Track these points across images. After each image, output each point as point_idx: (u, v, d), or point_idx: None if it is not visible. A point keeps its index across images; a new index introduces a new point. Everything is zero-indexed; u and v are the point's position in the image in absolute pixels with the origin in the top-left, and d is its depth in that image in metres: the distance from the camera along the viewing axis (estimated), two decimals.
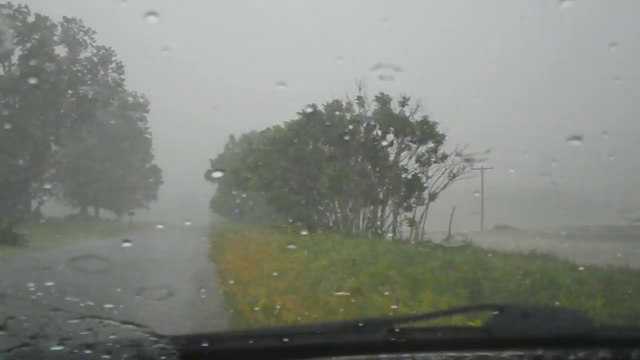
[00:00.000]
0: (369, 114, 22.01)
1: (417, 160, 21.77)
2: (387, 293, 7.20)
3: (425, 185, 21.70)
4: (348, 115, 22.53)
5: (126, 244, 13.70)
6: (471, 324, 3.15)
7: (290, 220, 20.98)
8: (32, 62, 34.93)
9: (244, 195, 29.66)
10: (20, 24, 36.13)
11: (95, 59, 40.17)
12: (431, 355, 1.48)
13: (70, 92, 38.44)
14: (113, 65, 41.02)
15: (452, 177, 20.80)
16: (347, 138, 21.25)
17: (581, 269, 9.10)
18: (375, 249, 12.42)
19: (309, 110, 22.29)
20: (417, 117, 21.25)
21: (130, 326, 1.28)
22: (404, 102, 21.26)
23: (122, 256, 12.21)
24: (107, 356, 1.25)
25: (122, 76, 41.74)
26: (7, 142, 33.10)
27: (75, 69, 38.88)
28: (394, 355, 1.46)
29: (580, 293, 6.79)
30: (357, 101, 21.87)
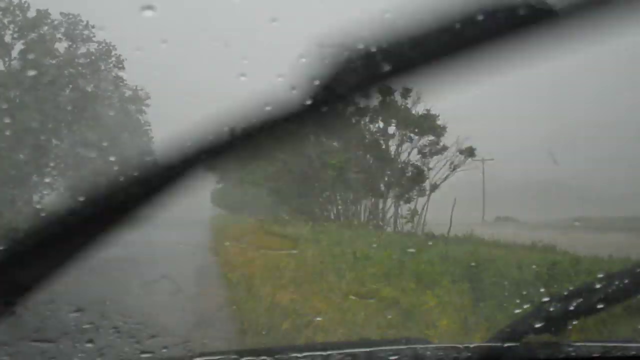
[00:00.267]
0: (370, 105, 21.98)
1: (419, 152, 21.78)
2: (376, 286, 7.20)
3: (426, 176, 21.72)
4: (350, 108, 22.48)
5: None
6: None
7: (292, 213, 21.01)
8: (32, 57, 34.89)
9: (244, 189, 29.67)
10: (20, 19, 36.06)
11: (96, 54, 40.12)
12: None
13: (70, 86, 38.42)
14: (113, 59, 40.99)
15: (453, 168, 20.83)
16: (348, 130, 21.19)
17: (581, 260, 9.10)
18: (376, 241, 12.43)
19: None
20: (419, 109, 21.26)
21: (131, 319, 1.28)
22: (405, 94, 21.23)
23: (123, 250, 12.20)
24: (107, 350, 1.25)
25: (122, 72, 41.73)
26: (7, 137, 33.10)
27: (75, 63, 38.82)
28: None
29: (582, 284, 6.78)
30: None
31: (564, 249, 11.96)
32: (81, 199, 1.07)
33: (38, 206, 38.97)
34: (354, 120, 21.88)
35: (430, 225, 19.89)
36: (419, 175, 21.78)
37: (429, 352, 1.67)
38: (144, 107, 54.49)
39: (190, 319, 6.73)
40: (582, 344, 1.69)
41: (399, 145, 21.92)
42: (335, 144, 22.90)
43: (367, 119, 22.22)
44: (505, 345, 1.63)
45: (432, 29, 0.84)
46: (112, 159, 50.26)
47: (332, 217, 22.93)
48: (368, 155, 22.50)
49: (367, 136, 21.95)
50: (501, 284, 7.31)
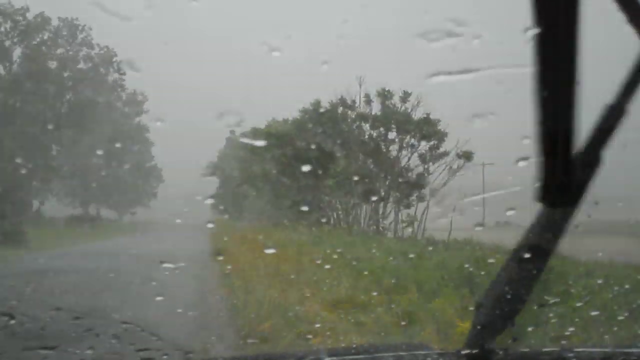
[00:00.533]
0: (372, 110, 22.04)
1: (419, 157, 21.79)
2: (375, 293, 7.19)
3: (426, 182, 21.71)
4: (351, 113, 22.54)
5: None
6: None
7: (292, 218, 20.97)
8: (33, 62, 34.94)
9: (245, 193, 29.64)
10: (20, 24, 36.12)
11: (96, 59, 40.20)
12: None
13: (70, 91, 38.47)
14: (114, 65, 41.08)
15: (453, 173, 20.82)
16: (350, 135, 21.26)
17: (581, 264, 9.10)
18: (376, 247, 12.42)
19: (311, 107, 22.33)
20: (419, 112, 21.28)
21: (131, 326, 1.27)
22: (405, 98, 21.26)
23: (124, 258, 12.20)
24: (107, 356, 1.25)
25: (123, 76, 41.80)
26: (8, 141, 33.11)
27: (76, 68, 38.89)
28: None
29: (582, 288, 6.78)
30: (364, 99, 21.89)
31: (564, 254, 11.94)
32: None
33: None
34: (354, 126, 21.97)
35: (430, 230, 19.86)
36: (419, 181, 21.78)
37: (429, 358, 1.67)
38: (143, 113, 54.53)
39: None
40: (583, 349, 1.68)
41: (399, 150, 21.94)
42: (336, 149, 22.91)
43: (368, 125, 22.25)
44: (506, 350, 1.63)
45: None
46: (112, 164, 50.48)
47: (333, 222, 22.91)
48: (369, 161, 22.51)
49: (368, 141, 21.96)
50: None
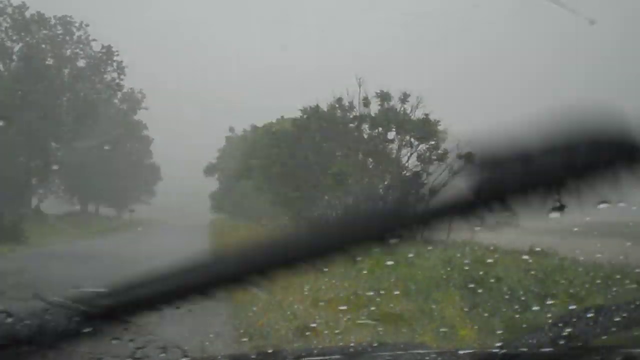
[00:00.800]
0: (371, 111, 22.04)
1: (418, 158, 21.77)
2: (383, 292, 7.19)
3: (425, 182, 21.69)
4: (350, 114, 22.55)
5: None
6: None
7: (291, 218, 21.00)
8: (31, 60, 34.93)
9: (244, 192, 29.66)
10: (18, 22, 36.11)
11: (96, 57, 40.21)
12: None
13: (70, 89, 38.47)
14: (114, 64, 41.10)
15: (453, 174, 20.79)
16: (349, 136, 21.28)
17: (580, 265, 9.11)
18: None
19: (311, 108, 22.33)
20: (418, 113, 21.28)
21: (129, 324, 1.27)
22: (404, 99, 21.26)
23: (121, 255, 12.21)
24: (105, 354, 1.24)
25: (122, 75, 41.84)
26: (7, 139, 33.10)
27: (75, 66, 38.90)
28: None
29: (581, 289, 6.80)
30: (363, 101, 21.88)
31: (564, 254, 11.95)
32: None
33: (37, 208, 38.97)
34: (354, 126, 21.97)
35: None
36: (418, 181, 21.76)
37: (427, 358, 1.67)
38: (141, 110, 54.57)
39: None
40: (584, 349, 1.68)
41: (398, 150, 21.94)
42: (334, 149, 22.92)
43: (367, 125, 22.25)
44: (505, 350, 1.63)
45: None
46: (111, 162, 50.46)
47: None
48: (368, 161, 22.52)
49: (367, 142, 21.96)
50: (500, 289, 7.30)
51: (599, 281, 7.27)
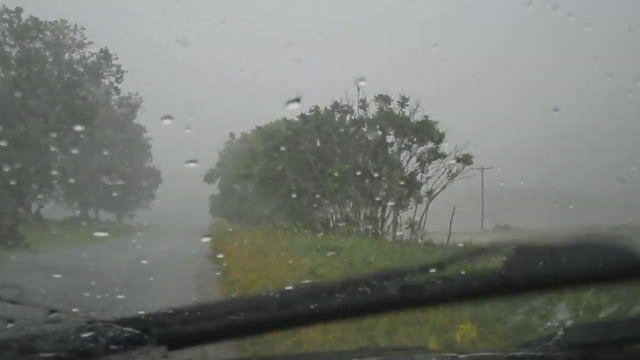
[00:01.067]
0: (369, 114, 22.08)
1: (417, 160, 21.81)
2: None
3: (424, 185, 21.73)
4: (349, 117, 22.60)
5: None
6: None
7: (291, 221, 21.02)
8: (29, 64, 34.97)
9: (244, 196, 29.65)
10: (15, 26, 36.15)
11: (95, 61, 40.27)
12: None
13: (69, 94, 38.48)
14: (113, 68, 41.17)
15: (452, 176, 20.83)
16: (347, 139, 21.31)
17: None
18: (374, 250, 12.42)
19: (310, 111, 22.37)
20: (417, 116, 21.33)
21: (129, 328, 1.27)
22: (403, 102, 21.31)
23: (122, 262, 12.18)
24: (107, 358, 1.24)
25: (120, 79, 41.93)
26: (6, 144, 33.09)
27: (75, 70, 38.94)
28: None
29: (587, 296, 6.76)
30: (360, 105, 21.93)
31: None
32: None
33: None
34: (353, 130, 22.00)
35: (429, 234, 19.87)
36: (418, 184, 21.80)
37: None
38: (138, 114, 54.58)
39: None
40: (583, 349, 1.67)
41: (398, 153, 21.96)
42: (334, 152, 22.95)
43: (365, 128, 22.29)
44: (505, 351, 1.63)
45: None
46: (110, 166, 50.39)
47: (331, 225, 22.92)
48: (367, 164, 22.53)
49: (366, 144, 21.99)
50: None
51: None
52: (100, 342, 1.27)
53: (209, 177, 48.54)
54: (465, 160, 20.40)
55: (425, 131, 21.12)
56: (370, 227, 21.73)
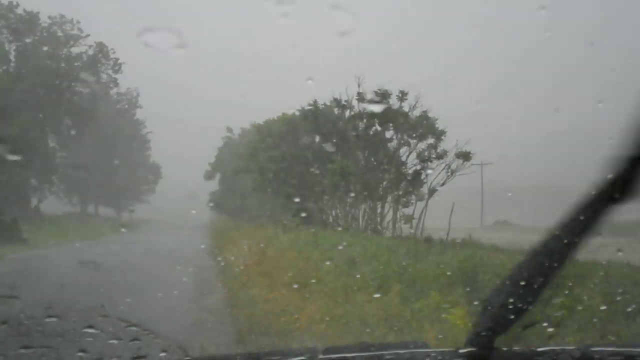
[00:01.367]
0: (367, 109, 22.02)
1: (417, 156, 21.79)
2: (378, 296, 7.19)
3: (424, 181, 21.73)
4: (348, 112, 22.54)
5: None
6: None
7: (291, 217, 20.99)
8: (27, 59, 34.90)
9: (243, 192, 29.63)
10: (11, 20, 36.04)
11: (93, 55, 40.20)
12: None
13: (67, 89, 38.42)
14: (111, 62, 41.10)
15: (452, 172, 20.83)
16: (347, 135, 21.28)
17: (579, 264, 9.09)
18: (374, 246, 12.42)
19: (309, 105, 22.32)
20: (417, 112, 21.29)
21: (129, 324, 1.27)
22: (402, 97, 21.25)
23: (120, 259, 12.19)
24: (106, 354, 1.24)
25: (119, 74, 41.89)
26: (6, 140, 33.04)
27: (71, 65, 38.85)
28: None
29: (580, 289, 6.79)
30: (357, 98, 21.86)
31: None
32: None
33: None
34: (353, 126, 21.96)
35: (429, 229, 19.88)
36: (417, 180, 21.79)
37: (428, 357, 1.67)
38: (138, 109, 54.46)
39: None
40: (583, 349, 1.68)
41: (397, 149, 21.94)
42: (334, 148, 22.91)
43: (364, 124, 22.24)
44: (505, 349, 1.63)
45: None
46: (110, 161, 50.41)
47: (331, 221, 22.92)
48: (367, 159, 22.51)
49: (366, 140, 21.96)
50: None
51: (597, 280, 7.27)
52: (100, 337, 1.27)
53: (208, 175, 48.46)
54: (465, 156, 20.39)
55: (425, 126, 21.09)
56: (369, 222, 21.73)
